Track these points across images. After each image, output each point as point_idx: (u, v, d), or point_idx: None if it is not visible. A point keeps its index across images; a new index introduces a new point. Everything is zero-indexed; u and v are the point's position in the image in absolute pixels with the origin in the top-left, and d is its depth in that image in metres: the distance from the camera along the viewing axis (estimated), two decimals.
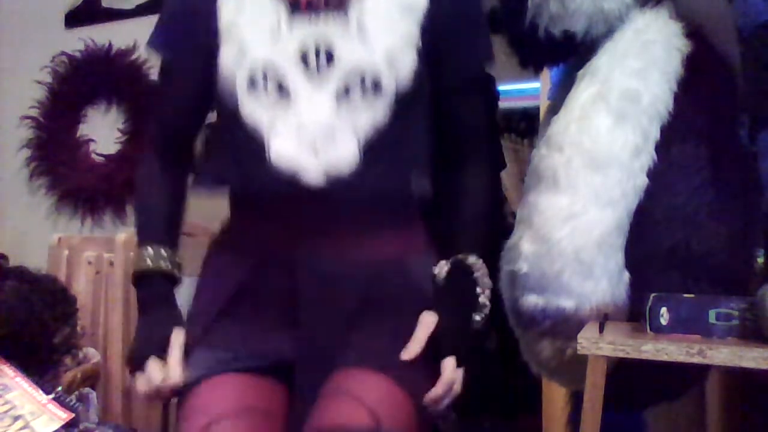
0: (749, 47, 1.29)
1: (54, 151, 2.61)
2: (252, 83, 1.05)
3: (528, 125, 3.26)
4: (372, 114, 1.04)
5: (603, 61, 1.38)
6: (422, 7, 1.08)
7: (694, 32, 1.36)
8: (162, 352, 1.04)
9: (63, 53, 2.61)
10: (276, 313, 1.07)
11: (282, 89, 1.04)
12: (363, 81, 1.03)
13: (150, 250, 1.15)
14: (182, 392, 1.03)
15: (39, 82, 2.63)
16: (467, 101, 1.19)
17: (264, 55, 1.04)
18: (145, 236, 1.19)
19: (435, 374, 1.04)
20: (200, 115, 1.26)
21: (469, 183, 1.20)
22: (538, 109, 2.27)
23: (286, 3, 1.06)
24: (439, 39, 1.10)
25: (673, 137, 1.32)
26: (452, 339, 1.08)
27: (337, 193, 1.02)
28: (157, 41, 1.17)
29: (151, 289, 1.13)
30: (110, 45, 2.55)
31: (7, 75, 2.74)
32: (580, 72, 1.41)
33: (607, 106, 1.33)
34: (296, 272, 1.05)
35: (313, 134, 1.02)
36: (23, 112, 2.65)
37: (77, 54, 2.60)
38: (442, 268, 1.13)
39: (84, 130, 2.62)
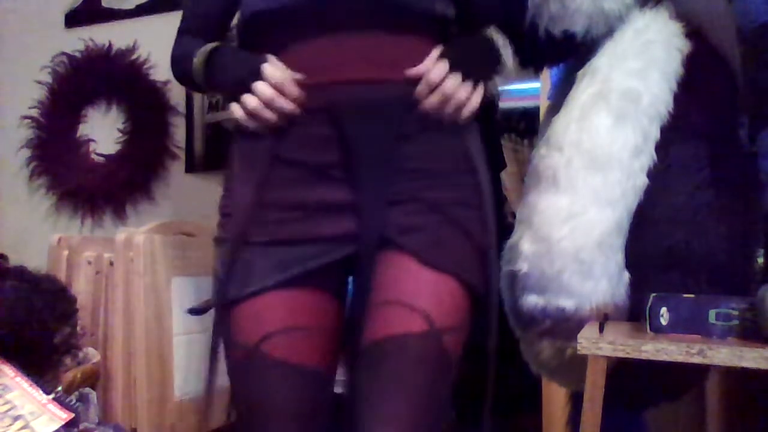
0: (749, 47, 1.29)
1: (54, 151, 2.61)
2: None
3: (528, 125, 3.25)
4: None
5: (603, 61, 1.38)
6: None
7: (694, 32, 1.36)
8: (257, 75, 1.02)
9: (63, 53, 2.61)
10: (322, 175, 1.03)
11: None
12: None
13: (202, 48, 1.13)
14: (230, 305, 1.05)
15: (39, 82, 2.63)
16: None
17: None
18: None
19: (481, 260, 1.07)
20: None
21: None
22: (538, 109, 2.27)
23: None
24: None
25: (673, 137, 1.32)
26: (460, 50, 1.08)
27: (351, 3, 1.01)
28: None
29: (221, 51, 1.11)
30: (110, 45, 2.54)
31: (7, 75, 2.74)
32: (580, 72, 1.41)
33: (607, 106, 1.33)
34: (334, 111, 1.01)
35: None
36: (23, 112, 2.65)
37: (77, 54, 2.59)
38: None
39: (84, 130, 2.61)
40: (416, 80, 1.04)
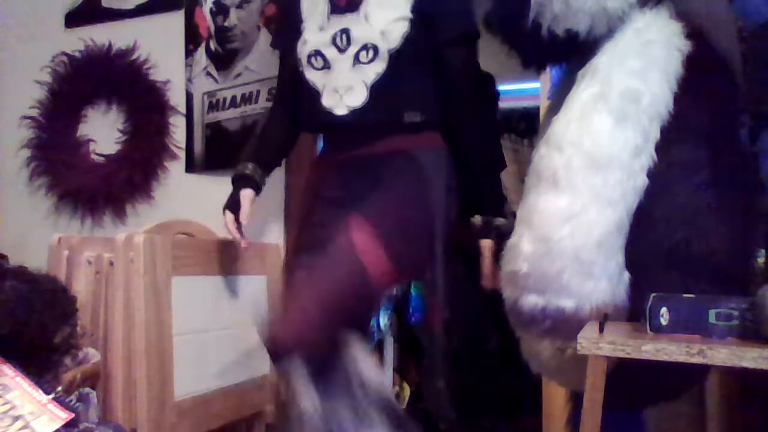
0: (749, 47, 1.29)
1: (54, 151, 2.61)
2: (309, 61, 1.68)
3: (528, 125, 3.26)
4: (374, 68, 1.60)
5: (603, 61, 1.38)
6: None
7: (694, 32, 1.36)
8: (236, 207, 1.77)
9: (63, 53, 2.61)
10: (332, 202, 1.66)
11: (325, 63, 1.65)
12: (366, 48, 1.60)
13: (242, 165, 1.81)
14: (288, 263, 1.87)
15: (39, 82, 2.63)
16: (454, 53, 1.65)
17: (314, 44, 1.66)
18: (245, 156, 1.84)
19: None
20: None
21: (467, 134, 1.67)
22: (538, 109, 2.27)
23: (328, 7, 1.66)
24: (427, 10, 1.60)
25: (673, 137, 1.32)
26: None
27: (355, 119, 1.61)
28: (275, 42, 2.03)
29: (236, 178, 1.81)
30: (110, 45, 2.54)
31: (7, 75, 2.74)
32: (580, 72, 1.41)
33: (607, 106, 1.33)
34: (342, 171, 1.67)
35: (339, 87, 1.63)
36: (23, 112, 2.65)
37: (77, 54, 2.59)
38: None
39: (84, 130, 2.61)
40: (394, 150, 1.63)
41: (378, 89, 1.59)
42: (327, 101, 1.63)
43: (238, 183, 1.79)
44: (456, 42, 1.64)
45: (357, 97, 1.60)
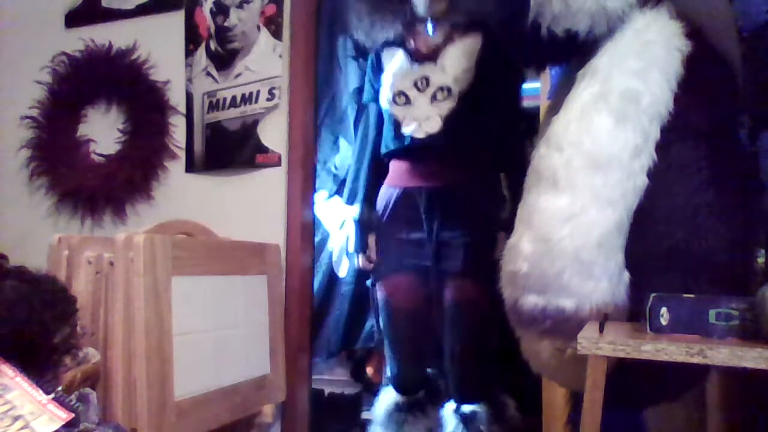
0: (750, 47, 1.29)
1: (54, 151, 2.60)
2: (394, 99, 2.16)
3: (528, 125, 3.26)
4: (448, 105, 2.09)
5: (603, 61, 1.38)
6: (476, 51, 2.10)
7: (694, 32, 1.36)
8: (365, 248, 2.29)
9: (63, 53, 2.60)
10: (410, 223, 2.18)
11: (407, 100, 2.13)
12: (442, 90, 2.09)
13: (364, 210, 2.29)
14: (379, 277, 2.28)
15: (39, 82, 2.63)
16: (507, 100, 2.22)
17: (398, 86, 2.15)
18: (362, 198, 2.32)
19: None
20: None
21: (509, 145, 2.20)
22: (538, 109, 2.27)
23: (410, 57, 2.15)
24: (489, 66, 2.09)
25: (673, 137, 1.32)
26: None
27: (433, 142, 2.10)
28: (364, 97, 2.44)
29: (362, 223, 2.30)
30: (110, 45, 2.54)
31: (7, 75, 2.74)
32: (580, 72, 1.41)
33: (607, 106, 1.33)
34: (416, 195, 2.17)
35: (419, 118, 2.11)
36: (23, 112, 2.65)
37: (77, 54, 2.59)
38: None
39: (84, 130, 2.61)
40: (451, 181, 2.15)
41: (450, 121, 2.08)
42: (406, 129, 2.13)
43: (365, 228, 2.27)
44: (510, 88, 2.23)
45: (433, 125, 2.09)
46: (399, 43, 2.18)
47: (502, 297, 1.50)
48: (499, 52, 1.93)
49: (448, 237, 2.11)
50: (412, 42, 2.18)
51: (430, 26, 2.13)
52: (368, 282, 2.41)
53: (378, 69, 2.26)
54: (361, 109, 2.70)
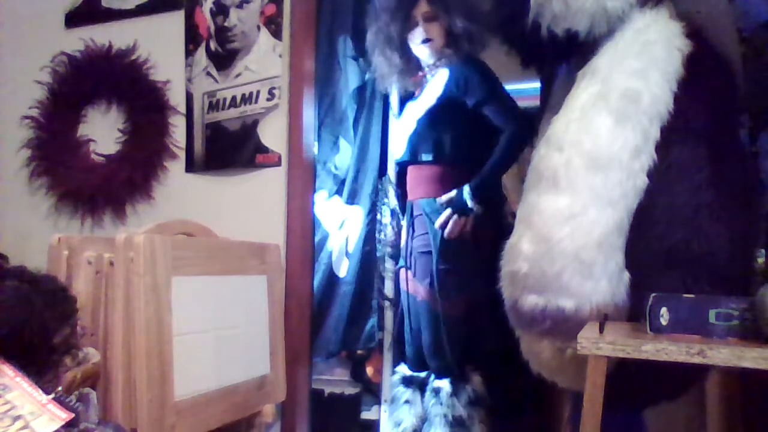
0: (750, 47, 1.29)
1: (54, 151, 2.60)
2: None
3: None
4: (451, 128, 2.21)
5: (603, 61, 1.38)
6: (442, 87, 2.21)
7: (694, 32, 1.36)
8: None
9: (63, 53, 2.60)
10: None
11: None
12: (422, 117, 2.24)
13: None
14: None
15: (39, 82, 2.63)
16: (491, 109, 2.19)
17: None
18: None
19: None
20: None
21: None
22: (538, 109, 2.27)
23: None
24: (457, 90, 2.19)
25: (673, 137, 1.32)
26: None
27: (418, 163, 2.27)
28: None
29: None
30: (110, 45, 2.54)
31: (7, 75, 2.74)
32: (580, 72, 1.41)
33: (607, 106, 1.33)
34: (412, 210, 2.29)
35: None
36: (23, 112, 2.65)
37: (77, 54, 2.59)
38: None
39: (84, 130, 2.61)
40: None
41: (440, 144, 2.26)
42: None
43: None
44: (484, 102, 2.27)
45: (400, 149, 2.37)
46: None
47: (501, 297, 1.50)
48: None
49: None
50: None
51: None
52: (397, 266, 2.48)
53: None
54: (360, 109, 2.70)
